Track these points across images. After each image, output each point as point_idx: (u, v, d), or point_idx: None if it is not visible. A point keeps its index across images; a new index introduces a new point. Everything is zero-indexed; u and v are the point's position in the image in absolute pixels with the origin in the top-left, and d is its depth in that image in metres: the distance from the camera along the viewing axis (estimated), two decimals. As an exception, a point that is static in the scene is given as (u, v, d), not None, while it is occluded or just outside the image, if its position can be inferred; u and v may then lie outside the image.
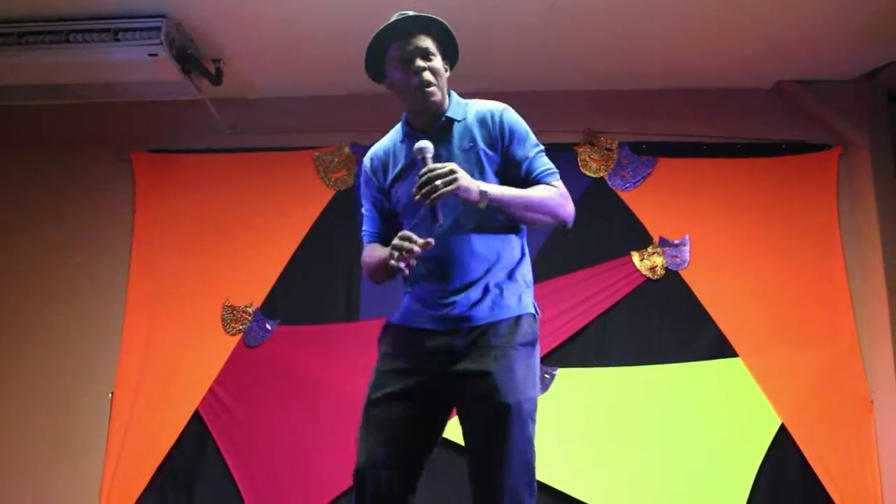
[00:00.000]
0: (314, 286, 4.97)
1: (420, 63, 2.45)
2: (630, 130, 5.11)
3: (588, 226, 4.91)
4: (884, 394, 4.59)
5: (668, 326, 4.78)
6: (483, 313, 2.42)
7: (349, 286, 4.94)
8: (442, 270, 2.42)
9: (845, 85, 5.03)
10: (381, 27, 2.50)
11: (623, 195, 5.00)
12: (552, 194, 2.51)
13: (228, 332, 4.92)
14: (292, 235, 5.04)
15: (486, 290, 2.44)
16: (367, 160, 2.66)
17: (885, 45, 4.64)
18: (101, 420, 4.82)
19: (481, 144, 2.50)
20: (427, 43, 2.49)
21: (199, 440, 4.78)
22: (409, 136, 2.54)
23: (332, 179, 5.12)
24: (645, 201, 4.99)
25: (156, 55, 4.39)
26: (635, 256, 4.88)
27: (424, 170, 2.26)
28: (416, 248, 2.23)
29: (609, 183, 5.02)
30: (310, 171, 5.14)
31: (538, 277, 4.77)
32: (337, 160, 5.14)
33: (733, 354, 4.71)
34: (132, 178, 5.24)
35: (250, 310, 4.94)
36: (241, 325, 4.93)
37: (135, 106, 5.10)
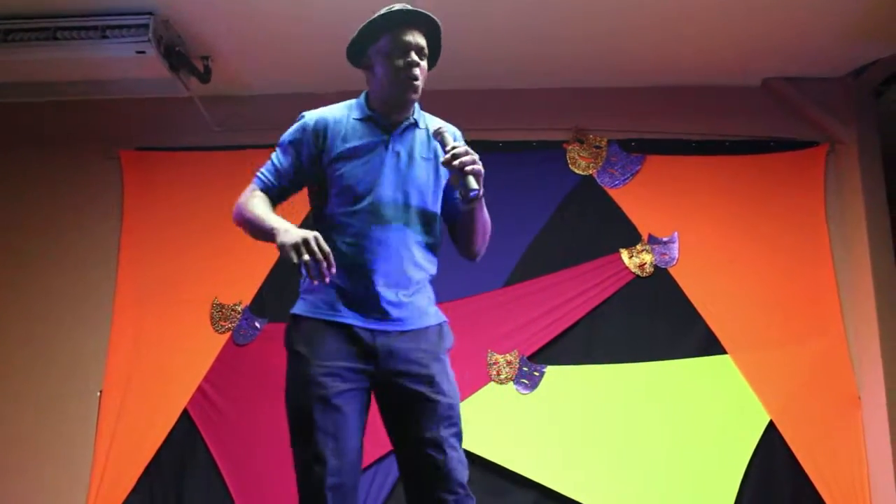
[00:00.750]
0: (303, 284, 4.96)
1: (415, 57, 2.46)
2: (619, 128, 5.11)
3: (577, 223, 4.94)
4: (871, 390, 4.61)
5: (657, 324, 4.79)
6: (414, 318, 2.47)
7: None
8: (382, 268, 2.41)
9: (833, 82, 5.05)
10: (382, 12, 2.48)
11: (612, 192, 5.00)
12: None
13: (217, 331, 4.91)
14: (280, 233, 5.02)
15: (416, 297, 2.48)
16: (310, 120, 2.56)
17: (872, 42, 4.66)
18: (90, 419, 4.81)
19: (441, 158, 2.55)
20: (423, 41, 2.51)
21: (188, 438, 4.76)
22: (370, 121, 2.53)
23: (321, 177, 5.10)
24: (634, 199, 5.00)
25: (144, 52, 4.38)
26: (624, 254, 4.89)
27: (459, 144, 2.39)
28: (326, 279, 2.23)
29: (598, 180, 5.02)
30: (299, 168, 5.13)
31: (527, 274, 4.84)
32: (325, 158, 5.12)
33: (722, 351, 4.72)
34: (120, 176, 5.22)
35: (239, 308, 4.93)
36: (230, 323, 4.92)
37: (123, 103, 5.09)
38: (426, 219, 2.51)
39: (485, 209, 2.53)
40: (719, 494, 4.49)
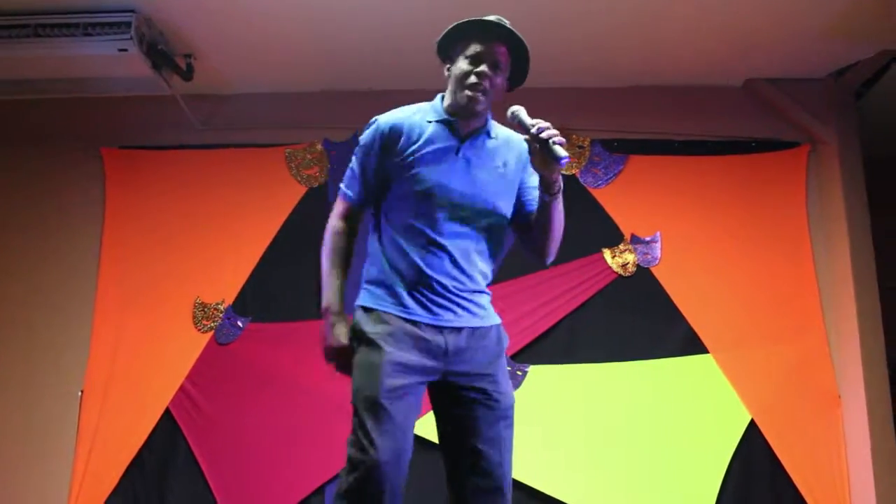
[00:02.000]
0: (286, 283, 4.96)
1: (485, 69, 2.49)
2: (602, 128, 5.13)
3: (560, 223, 4.94)
4: (851, 389, 4.64)
5: (640, 323, 4.81)
6: (481, 317, 2.53)
7: (321, 284, 4.92)
8: (446, 268, 2.45)
9: (814, 83, 5.08)
10: (479, 19, 2.51)
11: (595, 192, 5.02)
12: None
13: (200, 330, 4.90)
14: (264, 232, 5.02)
15: (482, 296, 2.55)
16: (384, 125, 2.54)
17: (852, 44, 4.69)
18: (71, 419, 4.78)
19: (511, 167, 2.60)
20: (502, 57, 2.53)
21: (170, 438, 4.75)
22: (444, 125, 2.53)
23: (304, 176, 5.10)
24: (616, 198, 5.01)
25: (126, 50, 4.36)
26: (607, 253, 4.90)
27: (539, 120, 2.42)
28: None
29: (581, 180, 5.03)
30: (282, 167, 5.12)
31: (511, 273, 4.84)
32: (309, 157, 5.12)
33: (704, 351, 4.74)
34: (102, 175, 5.19)
35: (222, 307, 4.92)
36: (213, 322, 4.90)
37: (105, 101, 5.07)
38: (491, 225, 2.54)
39: (561, 205, 2.56)
40: (701, 493, 4.51)
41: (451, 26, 2.54)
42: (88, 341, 4.90)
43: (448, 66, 2.59)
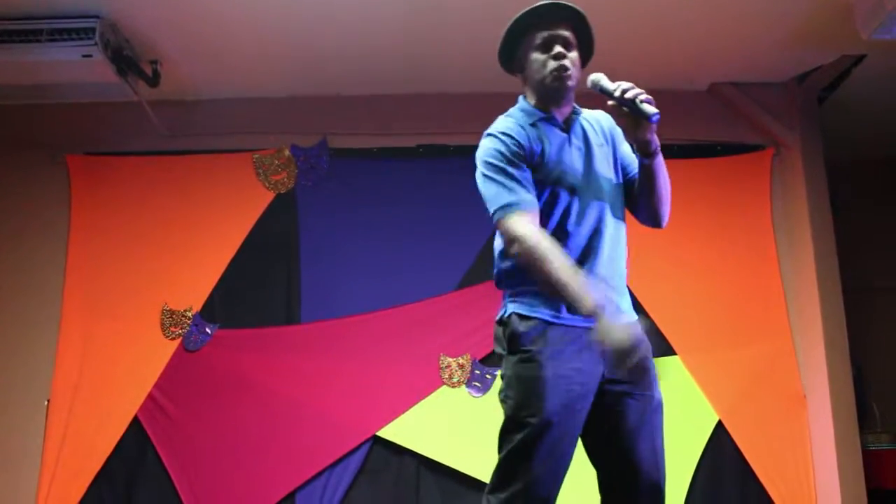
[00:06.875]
0: (254, 289, 4.94)
1: (560, 49, 2.43)
2: (569, 132, 5.14)
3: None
4: (816, 389, 4.70)
5: (608, 325, 4.82)
6: (631, 314, 2.49)
7: (289, 289, 4.92)
8: (596, 268, 2.38)
9: (777, 87, 5.15)
10: (525, 10, 2.45)
11: (562, 196, 5.03)
12: None
13: (168, 337, 4.86)
14: (232, 238, 5.00)
15: (625, 295, 2.50)
16: (513, 132, 2.42)
17: (815, 49, 4.75)
18: (37, 428, 4.73)
19: (609, 143, 2.55)
20: (567, 33, 2.47)
21: (139, 447, 4.71)
22: (546, 121, 2.47)
23: (272, 182, 5.08)
24: (584, 202, 5.03)
25: (90, 56, 4.31)
26: (575, 257, 4.92)
27: (621, 82, 2.34)
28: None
29: (549, 184, 5.04)
30: (249, 173, 5.10)
31: (482, 278, 4.83)
32: (277, 162, 5.11)
33: (671, 353, 4.78)
34: (67, 181, 5.14)
35: (189, 314, 4.89)
36: (181, 329, 4.87)
37: (70, 107, 5.02)
38: (618, 206, 2.50)
39: (663, 164, 2.46)
40: (670, 494, 4.51)
41: (505, 32, 2.51)
42: (55, 349, 4.85)
43: (520, 71, 2.54)
